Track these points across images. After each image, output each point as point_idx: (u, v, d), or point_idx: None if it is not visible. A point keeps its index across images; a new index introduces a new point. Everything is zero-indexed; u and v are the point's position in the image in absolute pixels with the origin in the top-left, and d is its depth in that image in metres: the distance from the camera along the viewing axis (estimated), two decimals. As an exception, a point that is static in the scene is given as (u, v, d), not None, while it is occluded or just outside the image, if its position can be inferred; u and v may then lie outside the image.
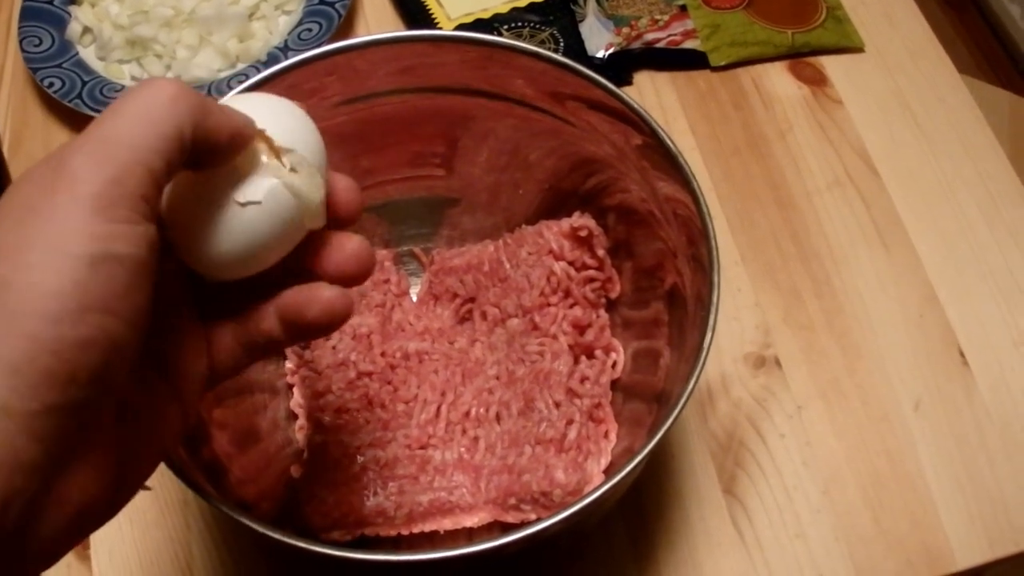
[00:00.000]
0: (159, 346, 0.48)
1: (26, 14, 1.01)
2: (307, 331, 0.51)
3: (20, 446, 0.38)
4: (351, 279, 0.52)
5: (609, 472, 0.71)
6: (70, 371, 0.39)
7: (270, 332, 0.51)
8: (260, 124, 0.48)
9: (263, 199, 0.47)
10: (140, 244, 0.41)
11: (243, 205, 0.46)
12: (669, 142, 0.66)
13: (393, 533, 0.71)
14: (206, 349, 0.51)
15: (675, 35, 1.01)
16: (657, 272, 0.73)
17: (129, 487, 0.47)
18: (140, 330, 0.42)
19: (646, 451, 0.57)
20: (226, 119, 0.45)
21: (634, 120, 0.68)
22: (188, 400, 0.50)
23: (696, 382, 0.59)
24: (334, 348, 0.76)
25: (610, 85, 0.69)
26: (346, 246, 0.51)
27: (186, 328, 0.50)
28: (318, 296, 0.50)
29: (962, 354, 0.85)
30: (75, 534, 0.43)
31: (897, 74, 1.01)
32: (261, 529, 0.56)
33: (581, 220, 0.75)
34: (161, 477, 0.77)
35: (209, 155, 0.45)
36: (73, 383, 0.39)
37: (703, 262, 0.64)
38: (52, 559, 0.43)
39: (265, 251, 0.49)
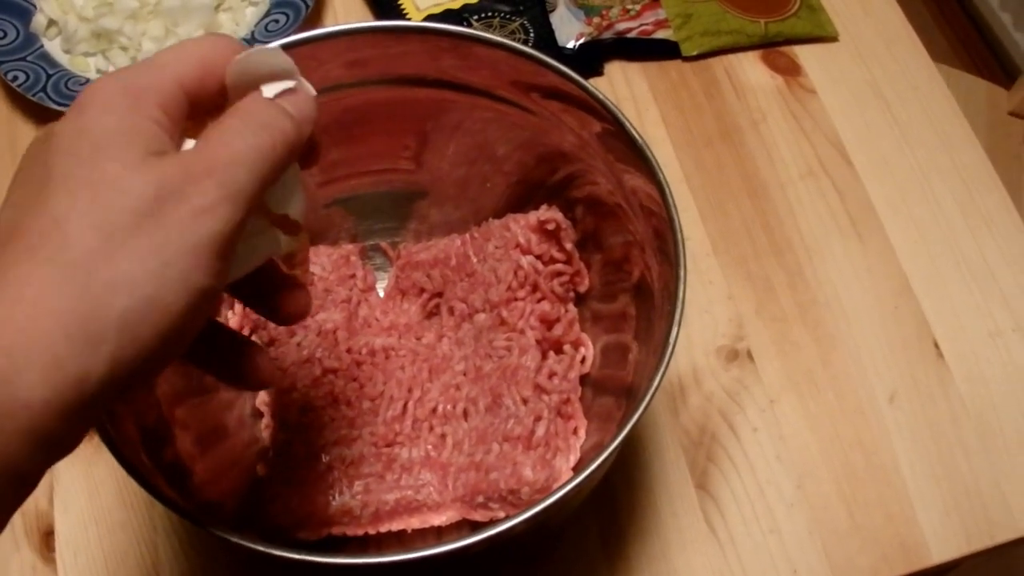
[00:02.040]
0: None
1: (-11, 6, 0.99)
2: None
3: None
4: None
5: (578, 469, 0.70)
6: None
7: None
8: None
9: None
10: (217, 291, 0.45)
11: None
12: (633, 131, 0.65)
13: (360, 532, 0.71)
14: None
15: (647, 25, 1.00)
16: (624, 265, 0.72)
17: None
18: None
19: (613, 446, 0.56)
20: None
21: (599, 110, 0.67)
22: None
23: (663, 375, 0.58)
24: (299, 345, 0.74)
25: (574, 74, 0.68)
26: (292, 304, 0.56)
27: None
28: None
29: (937, 345, 0.84)
30: None
31: (871, 63, 1.00)
32: (222, 535, 0.55)
33: (548, 213, 0.74)
34: (126, 479, 0.76)
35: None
36: None
37: (670, 254, 0.63)
38: None
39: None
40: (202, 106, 0.48)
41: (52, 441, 0.40)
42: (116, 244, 0.40)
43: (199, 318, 0.44)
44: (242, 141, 0.45)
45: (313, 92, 0.50)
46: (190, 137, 0.47)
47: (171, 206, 0.42)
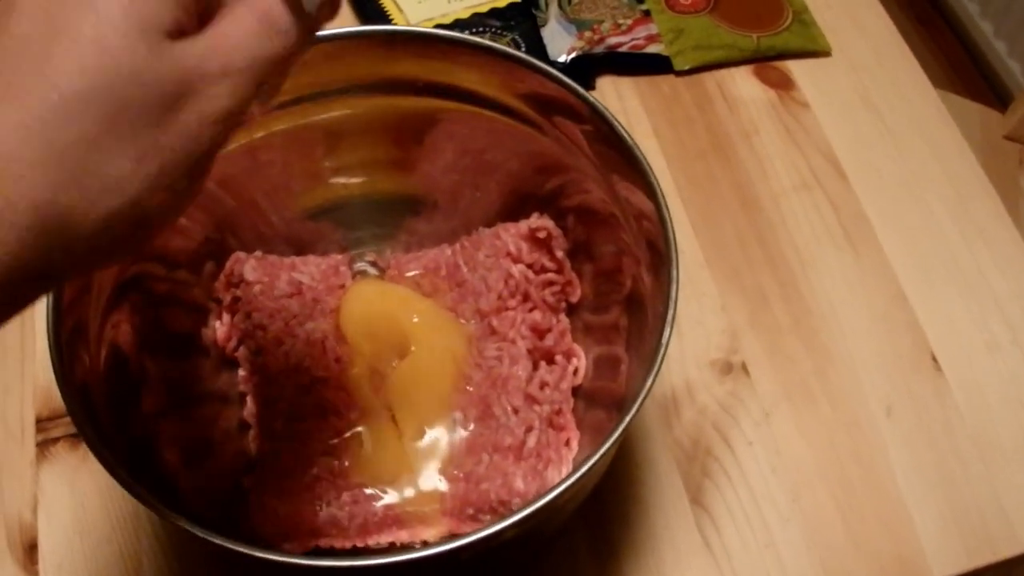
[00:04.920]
0: None
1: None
2: None
3: None
4: None
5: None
6: None
7: None
8: None
9: None
10: None
11: None
12: (624, 133, 0.65)
13: (348, 545, 0.69)
14: None
15: (638, 39, 0.99)
16: (617, 276, 0.72)
17: None
18: None
19: (605, 448, 0.55)
20: None
21: (589, 115, 0.67)
22: None
23: (654, 381, 0.57)
24: (286, 354, 0.73)
25: (564, 78, 0.67)
26: None
27: None
28: None
29: (933, 357, 0.83)
30: None
31: (863, 76, 1.00)
32: (209, 537, 0.54)
33: (539, 221, 0.74)
34: (111, 492, 0.75)
35: None
36: None
37: (662, 262, 0.62)
38: None
39: None
40: None
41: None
42: (121, 134, 0.38)
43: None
44: (259, 46, 0.42)
45: None
46: None
47: (182, 105, 0.40)
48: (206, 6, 0.42)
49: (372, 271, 0.81)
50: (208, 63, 0.40)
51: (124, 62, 0.38)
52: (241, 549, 0.53)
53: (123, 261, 0.43)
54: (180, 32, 0.40)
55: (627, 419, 0.55)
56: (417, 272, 0.79)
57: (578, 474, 0.54)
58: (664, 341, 0.58)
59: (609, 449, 0.56)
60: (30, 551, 0.75)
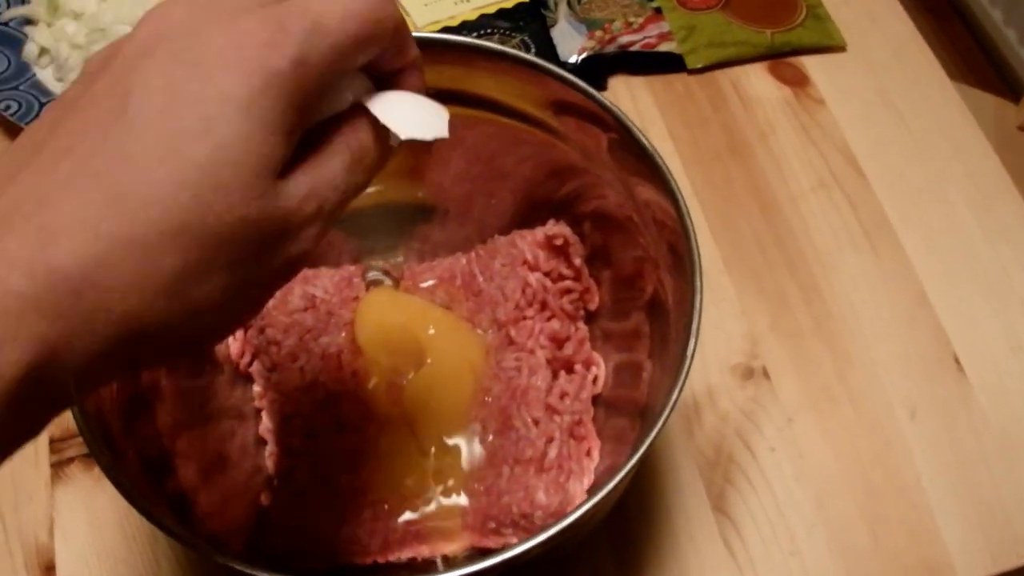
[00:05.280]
0: None
1: (-19, 36, 0.98)
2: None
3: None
4: None
5: (593, 492, 0.68)
6: None
7: None
8: None
9: None
10: None
11: None
12: (642, 138, 0.64)
13: (368, 561, 0.69)
14: None
15: (650, 38, 0.98)
16: (637, 281, 0.71)
17: None
18: None
19: (628, 468, 0.54)
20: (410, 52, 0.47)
21: (605, 119, 0.66)
22: None
23: (679, 393, 0.56)
24: (302, 369, 0.73)
25: (579, 82, 0.66)
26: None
27: None
28: None
29: (957, 359, 0.82)
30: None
31: (880, 72, 0.98)
32: (228, 563, 0.53)
33: (556, 228, 0.73)
34: (128, 512, 0.74)
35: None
36: None
37: (684, 268, 0.61)
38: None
39: None
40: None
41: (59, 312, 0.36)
42: (209, 262, 0.38)
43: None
44: (348, 181, 0.43)
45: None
46: None
47: (280, 246, 0.41)
48: (309, 135, 0.43)
49: (387, 281, 0.80)
50: (308, 204, 0.41)
51: (236, 203, 0.38)
52: (258, 574, 0.53)
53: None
54: (287, 168, 0.40)
55: (650, 437, 0.55)
56: (432, 282, 0.78)
57: (600, 495, 0.54)
58: (689, 353, 0.57)
59: (633, 466, 0.55)
60: (47, 572, 0.74)
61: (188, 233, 0.37)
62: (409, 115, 0.46)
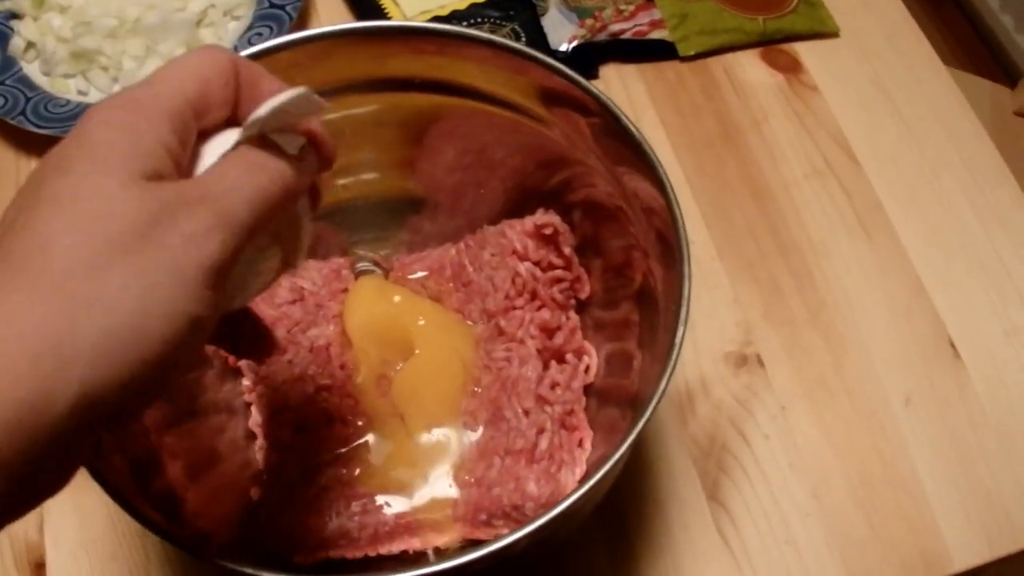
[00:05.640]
0: None
1: (-33, 31, 0.97)
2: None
3: None
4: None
5: (584, 482, 0.67)
6: None
7: None
8: None
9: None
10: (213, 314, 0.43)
11: None
12: (630, 125, 0.63)
13: (359, 555, 0.68)
14: None
15: (641, 25, 0.97)
16: (626, 270, 0.70)
17: None
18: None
19: (618, 455, 0.54)
20: (267, 81, 0.48)
21: (593, 107, 0.65)
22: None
23: (668, 382, 0.55)
24: (290, 362, 0.72)
25: (565, 69, 0.65)
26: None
27: None
28: None
29: (953, 346, 0.82)
30: None
31: (874, 58, 0.98)
32: (216, 562, 0.53)
33: (545, 217, 0.72)
34: (117, 508, 0.73)
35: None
36: None
37: (673, 256, 0.60)
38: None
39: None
40: (208, 124, 0.46)
41: (10, 471, 0.37)
42: (100, 265, 0.38)
43: (187, 348, 0.42)
44: (240, 175, 0.44)
45: (329, 143, 0.51)
46: None
47: (162, 230, 0.40)
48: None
49: (377, 271, 0.79)
50: (188, 192, 0.42)
51: (101, 205, 0.39)
52: (248, 571, 0.52)
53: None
54: (159, 178, 0.42)
55: (639, 425, 0.54)
56: (422, 273, 0.77)
57: (590, 483, 0.53)
58: (678, 342, 0.56)
59: (622, 455, 0.54)
60: (38, 569, 0.74)
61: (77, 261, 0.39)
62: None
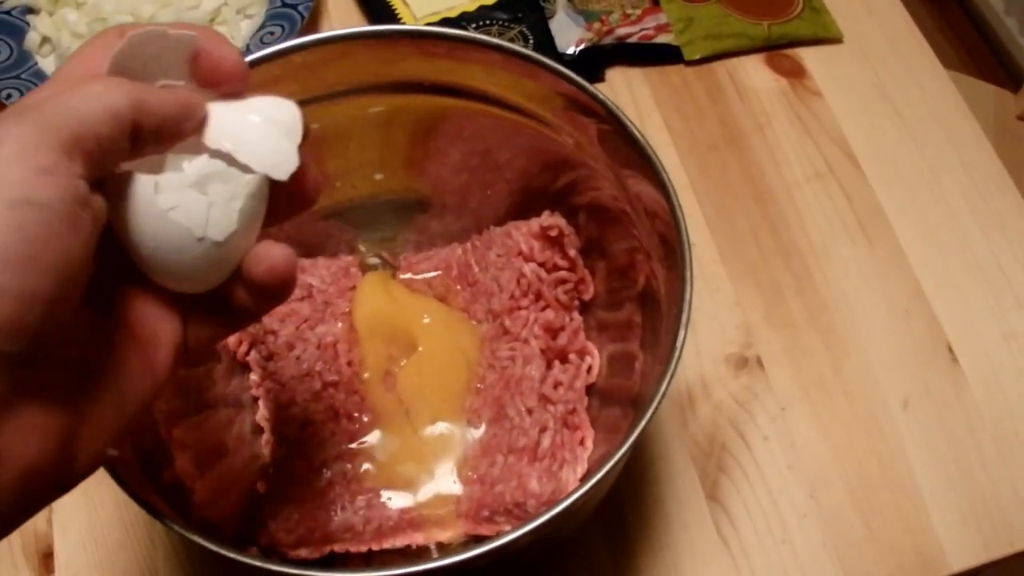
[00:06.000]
0: (120, 307, 0.46)
1: (-18, 25, 0.98)
2: (260, 294, 0.48)
3: None
4: (268, 295, 0.49)
5: (586, 480, 0.68)
6: None
7: (239, 301, 0.49)
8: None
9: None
10: (63, 195, 0.38)
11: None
12: (634, 130, 0.64)
13: (363, 549, 0.69)
14: (176, 314, 0.48)
15: (648, 29, 0.98)
16: (629, 272, 0.71)
17: (87, 453, 0.44)
18: (70, 286, 0.39)
19: (619, 454, 0.55)
20: (170, 95, 0.44)
21: (599, 111, 0.66)
22: (158, 367, 0.47)
23: (669, 384, 0.56)
24: (298, 358, 0.73)
25: (572, 74, 0.66)
26: (266, 258, 0.48)
27: (150, 291, 0.47)
28: (267, 254, 0.48)
29: (951, 349, 0.82)
30: (23, 497, 0.41)
31: (877, 64, 0.98)
32: (224, 552, 0.53)
33: (551, 219, 0.73)
34: (125, 499, 0.74)
35: (160, 130, 0.44)
36: None
37: (675, 259, 0.61)
38: (5, 524, 0.42)
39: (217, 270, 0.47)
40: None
41: None
42: None
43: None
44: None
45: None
46: None
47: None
48: None
49: (384, 268, 0.80)
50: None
51: None
52: (253, 562, 0.53)
53: None
54: None
55: (640, 425, 0.55)
56: (428, 273, 0.78)
57: (592, 481, 0.54)
58: (679, 344, 0.57)
59: (624, 454, 0.55)
60: (46, 559, 0.74)
61: None
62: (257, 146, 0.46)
